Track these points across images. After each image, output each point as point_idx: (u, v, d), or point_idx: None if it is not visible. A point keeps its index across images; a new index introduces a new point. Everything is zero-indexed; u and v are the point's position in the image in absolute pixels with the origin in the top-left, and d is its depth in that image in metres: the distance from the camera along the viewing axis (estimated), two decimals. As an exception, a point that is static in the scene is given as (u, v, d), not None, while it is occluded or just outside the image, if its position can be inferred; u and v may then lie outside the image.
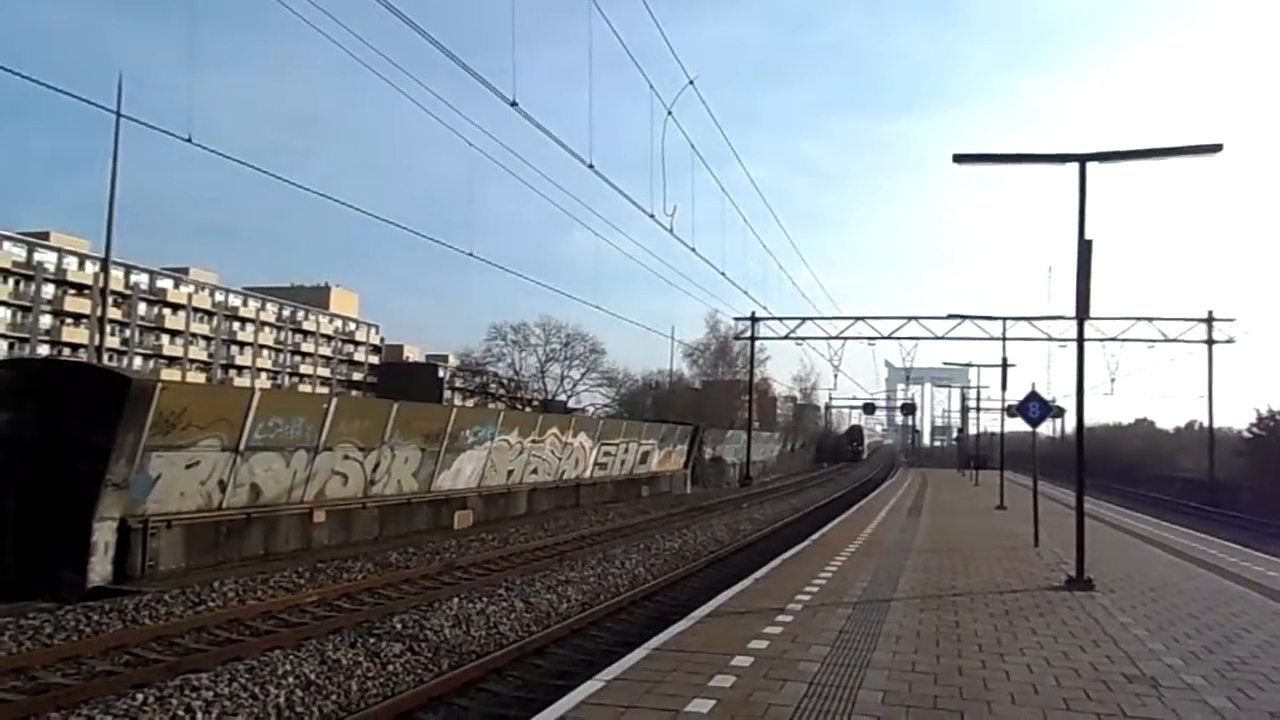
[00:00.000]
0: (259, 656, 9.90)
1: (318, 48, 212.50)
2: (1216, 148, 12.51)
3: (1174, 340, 48.43)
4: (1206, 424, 54.14)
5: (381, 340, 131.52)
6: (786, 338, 53.35)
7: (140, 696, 8.39)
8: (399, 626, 11.64)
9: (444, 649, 11.24)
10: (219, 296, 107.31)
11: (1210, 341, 48.91)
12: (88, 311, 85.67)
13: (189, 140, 11.14)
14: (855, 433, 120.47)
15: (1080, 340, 13.69)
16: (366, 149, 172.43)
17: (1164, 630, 10.03)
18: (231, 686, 8.89)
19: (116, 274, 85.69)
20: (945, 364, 54.04)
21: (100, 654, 10.30)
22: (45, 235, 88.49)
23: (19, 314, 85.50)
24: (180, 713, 8.16)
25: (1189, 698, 7.24)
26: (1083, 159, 12.89)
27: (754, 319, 52.88)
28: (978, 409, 58.98)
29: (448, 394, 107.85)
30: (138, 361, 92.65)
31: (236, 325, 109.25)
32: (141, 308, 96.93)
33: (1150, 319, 47.78)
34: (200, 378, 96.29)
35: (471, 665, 10.39)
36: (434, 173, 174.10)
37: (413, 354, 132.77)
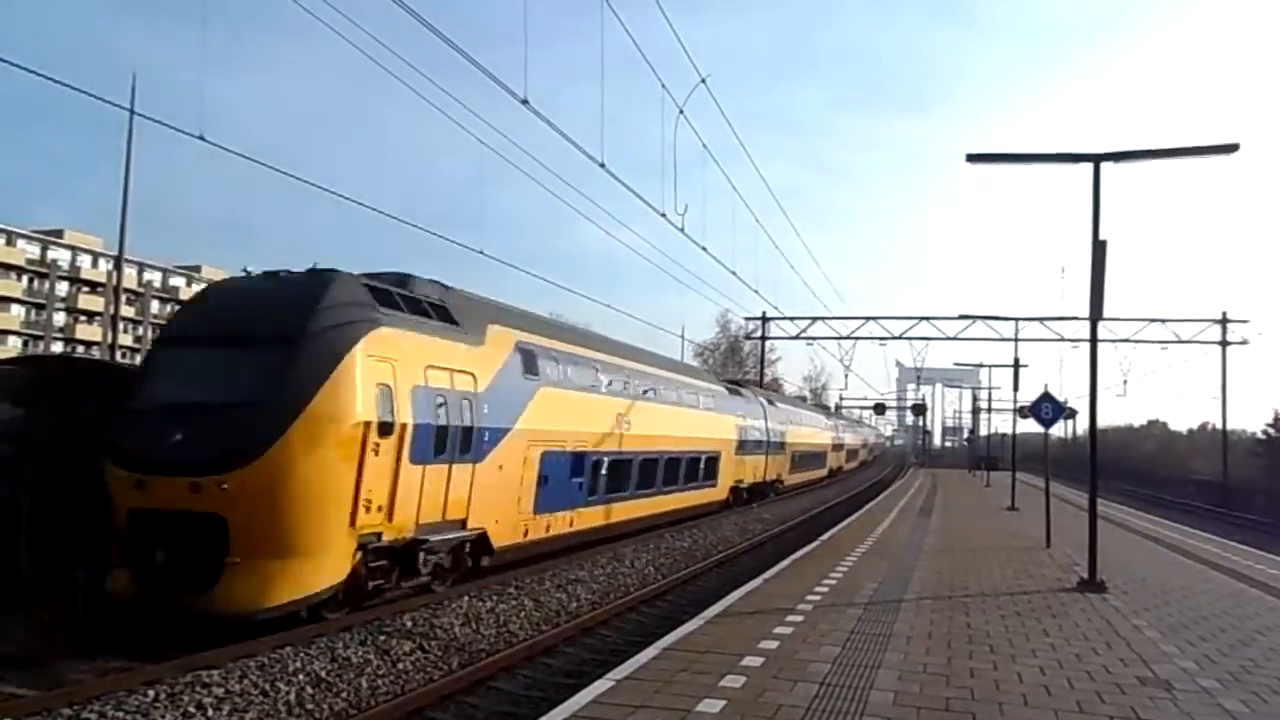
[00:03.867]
0: (270, 654, 9.92)
1: (331, 47, 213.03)
2: (1232, 148, 12.45)
3: (1188, 341, 48.17)
4: (1220, 425, 53.92)
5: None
6: (797, 337, 53.26)
7: (152, 693, 8.42)
8: (409, 624, 11.65)
9: (454, 647, 11.25)
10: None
11: (1224, 343, 48.62)
12: (101, 309, 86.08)
13: (201, 138, 11.13)
14: None
15: (1093, 341, 13.64)
16: (379, 147, 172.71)
17: (1177, 633, 9.97)
18: (243, 683, 8.91)
19: (130, 272, 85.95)
20: (956, 364, 53.68)
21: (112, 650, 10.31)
22: (59, 233, 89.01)
23: (33, 311, 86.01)
24: (191, 709, 8.18)
25: (1204, 701, 7.20)
26: (1097, 159, 12.83)
27: (764, 319, 52.83)
28: (989, 410, 58.79)
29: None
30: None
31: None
32: (155, 305, 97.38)
33: (1164, 320, 47.56)
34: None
35: (482, 664, 10.40)
36: (445, 171, 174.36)
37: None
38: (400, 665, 10.33)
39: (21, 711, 7.80)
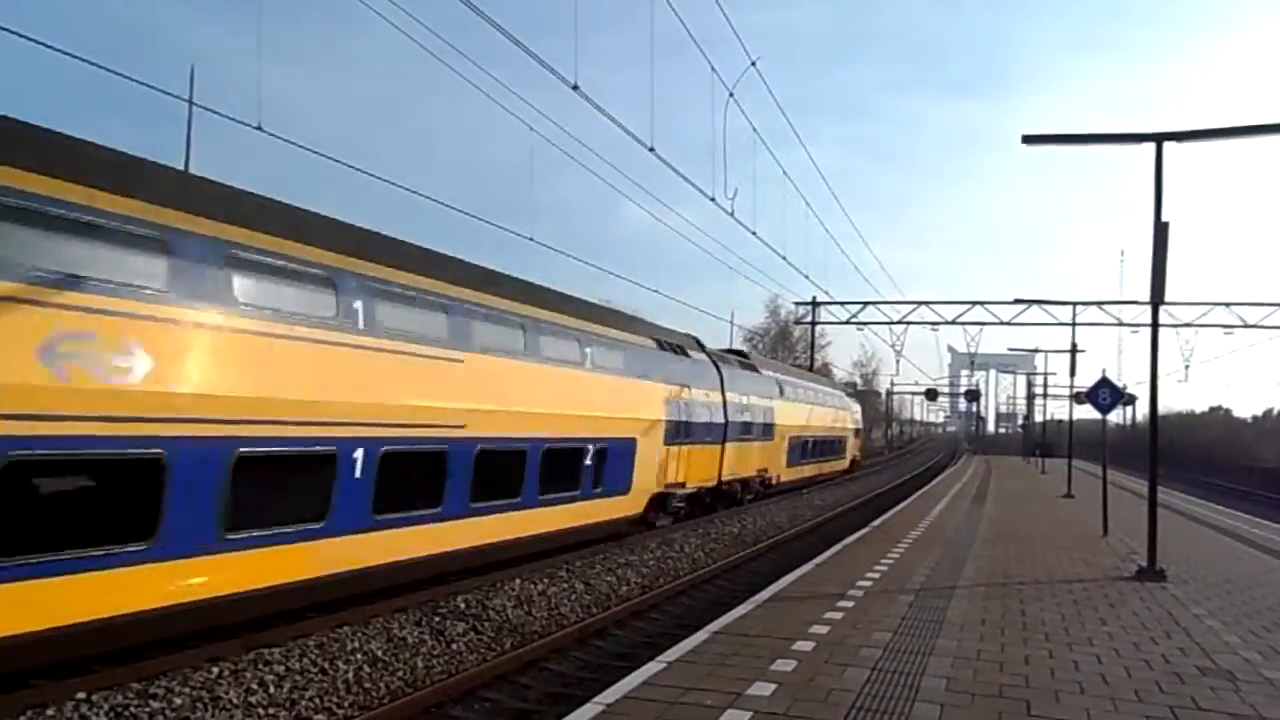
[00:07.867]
0: (328, 633, 10.14)
1: (384, 36, 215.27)
2: (1301, 125, 12.05)
3: (1253, 326, 46.82)
4: (1286, 412, 52.45)
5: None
6: (848, 322, 52.67)
7: (216, 669, 8.66)
8: (462, 606, 11.83)
9: (506, 629, 11.41)
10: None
11: (1291, 327, 47.18)
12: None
13: (258, 128, 11.34)
14: None
15: (1154, 325, 13.33)
16: (430, 134, 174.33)
17: (1240, 623, 9.77)
18: (302, 662, 9.14)
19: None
20: (1011, 350, 53.02)
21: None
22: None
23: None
24: (254, 685, 8.41)
25: (1268, 692, 7.05)
26: (1159, 138, 12.51)
27: (815, 303, 52.38)
28: (1044, 396, 57.79)
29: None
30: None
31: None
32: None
33: (1228, 304, 46.27)
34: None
35: (534, 645, 10.53)
36: (495, 157, 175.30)
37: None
38: (454, 646, 10.50)
39: (93, 686, 8.07)
